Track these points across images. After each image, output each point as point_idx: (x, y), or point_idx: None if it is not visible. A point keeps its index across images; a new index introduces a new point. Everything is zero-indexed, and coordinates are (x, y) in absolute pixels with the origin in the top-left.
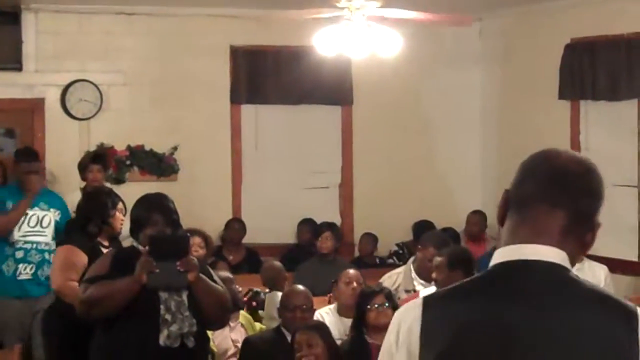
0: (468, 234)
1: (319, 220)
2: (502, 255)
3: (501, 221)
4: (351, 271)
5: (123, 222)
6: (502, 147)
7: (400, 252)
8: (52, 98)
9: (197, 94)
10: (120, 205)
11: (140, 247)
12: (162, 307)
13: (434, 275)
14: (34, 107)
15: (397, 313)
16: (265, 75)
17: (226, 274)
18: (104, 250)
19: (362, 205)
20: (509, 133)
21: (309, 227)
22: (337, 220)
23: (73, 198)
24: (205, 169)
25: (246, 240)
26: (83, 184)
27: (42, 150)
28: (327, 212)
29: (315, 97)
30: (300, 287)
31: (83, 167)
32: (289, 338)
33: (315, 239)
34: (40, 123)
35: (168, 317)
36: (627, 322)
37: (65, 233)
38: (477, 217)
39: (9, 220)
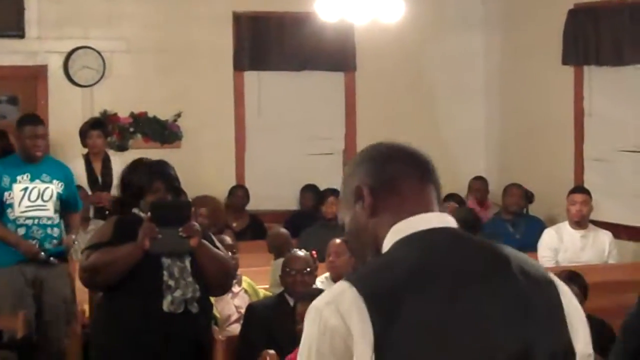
0: (471, 200)
1: (322, 187)
2: (403, 230)
3: (373, 212)
4: (337, 241)
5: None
6: (505, 113)
7: None
8: (54, 65)
9: (200, 60)
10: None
11: (142, 214)
12: (165, 273)
13: None
14: (37, 74)
15: (321, 300)
16: (268, 42)
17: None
18: None
19: None
20: (512, 99)
21: (312, 193)
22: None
23: (75, 165)
24: (208, 136)
25: (249, 207)
26: (85, 151)
27: (45, 117)
28: (331, 178)
29: (318, 64)
30: (301, 251)
31: (83, 134)
32: (292, 303)
33: (319, 204)
34: (43, 90)
35: (171, 282)
36: (551, 288)
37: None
38: (480, 183)
39: None
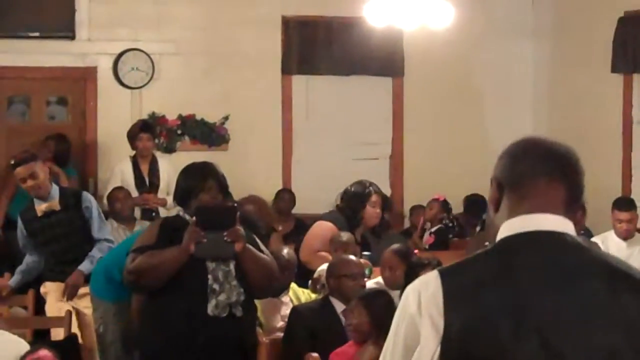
0: None
1: None
2: (512, 227)
3: (497, 206)
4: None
5: (378, 216)
6: (553, 120)
7: (450, 225)
8: (104, 67)
9: (248, 64)
10: (374, 198)
11: (187, 217)
12: (209, 276)
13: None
14: (87, 76)
15: (411, 286)
16: (317, 46)
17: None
18: None
19: (412, 177)
20: (561, 106)
21: None
22: (387, 192)
23: (123, 166)
24: (256, 139)
25: (295, 210)
26: (133, 152)
27: (94, 118)
28: (377, 183)
29: (366, 69)
30: (350, 255)
31: (132, 136)
32: (336, 307)
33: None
34: (92, 92)
35: (216, 286)
36: None
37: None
38: None
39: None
